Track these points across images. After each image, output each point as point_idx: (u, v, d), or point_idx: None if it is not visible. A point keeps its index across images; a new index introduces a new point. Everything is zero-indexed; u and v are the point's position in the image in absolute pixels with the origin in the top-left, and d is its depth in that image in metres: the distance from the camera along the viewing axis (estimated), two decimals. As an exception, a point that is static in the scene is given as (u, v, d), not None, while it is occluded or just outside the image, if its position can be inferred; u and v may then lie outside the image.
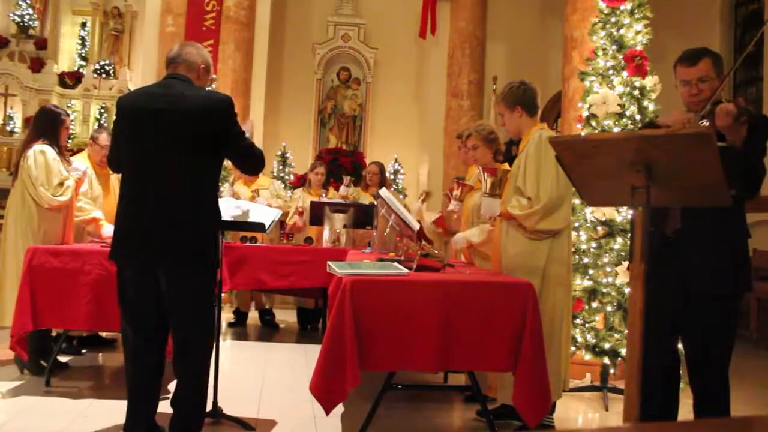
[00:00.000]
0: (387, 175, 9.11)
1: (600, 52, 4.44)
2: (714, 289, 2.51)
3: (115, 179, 4.81)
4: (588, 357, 4.18)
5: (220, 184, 6.43)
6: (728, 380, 2.56)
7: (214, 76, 7.29)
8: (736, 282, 2.56)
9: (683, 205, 2.49)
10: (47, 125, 4.26)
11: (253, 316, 6.30)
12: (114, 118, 2.94)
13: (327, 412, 2.72)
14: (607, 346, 4.10)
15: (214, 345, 3.33)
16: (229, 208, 3.40)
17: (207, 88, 2.95)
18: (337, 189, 6.71)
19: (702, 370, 2.57)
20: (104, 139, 4.63)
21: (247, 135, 2.88)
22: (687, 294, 2.55)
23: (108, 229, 4.42)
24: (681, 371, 2.74)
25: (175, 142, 2.64)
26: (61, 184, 4.16)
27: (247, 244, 5.35)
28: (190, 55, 2.84)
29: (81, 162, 4.51)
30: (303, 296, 6.14)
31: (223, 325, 5.91)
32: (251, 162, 2.91)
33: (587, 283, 4.21)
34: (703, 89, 2.58)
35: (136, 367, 2.78)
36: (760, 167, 2.45)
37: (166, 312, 2.72)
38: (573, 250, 4.10)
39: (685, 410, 2.77)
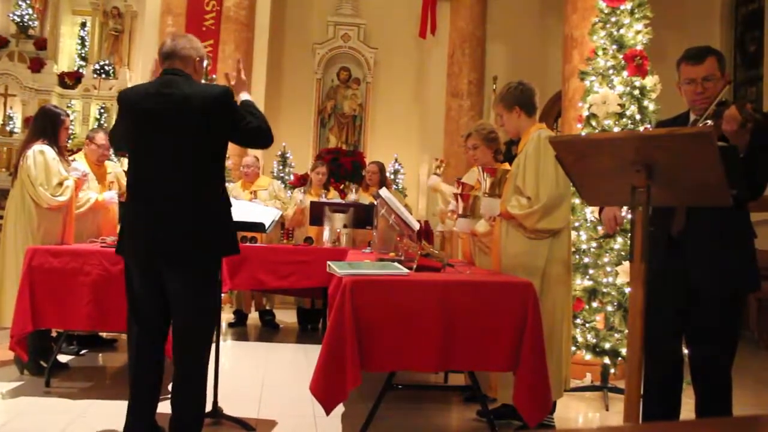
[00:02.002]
0: (387, 175, 9.12)
1: (600, 52, 4.44)
2: (719, 289, 2.50)
3: (112, 177, 4.81)
4: (588, 357, 4.18)
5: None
6: (731, 381, 2.56)
7: (214, 76, 7.29)
8: (741, 282, 2.55)
9: (686, 205, 2.48)
10: (47, 125, 4.26)
11: (253, 316, 6.29)
12: (116, 112, 2.94)
13: (327, 412, 2.72)
14: (607, 345, 4.09)
15: (215, 345, 3.34)
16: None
17: (210, 82, 2.94)
18: (337, 189, 6.70)
19: (705, 370, 2.56)
20: (101, 138, 4.63)
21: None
22: (691, 294, 2.54)
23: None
24: (683, 371, 2.73)
25: (178, 139, 2.65)
26: (60, 184, 4.16)
27: (247, 244, 5.35)
28: (185, 50, 2.82)
29: (79, 162, 4.50)
30: (300, 296, 6.13)
31: (224, 325, 5.90)
32: (260, 141, 2.85)
33: (587, 282, 4.21)
34: (708, 88, 2.57)
35: (139, 364, 2.79)
36: (761, 171, 2.44)
37: (170, 308, 2.73)
38: (573, 249, 4.09)
39: (686, 409, 2.76)
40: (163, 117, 2.66)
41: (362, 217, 5.49)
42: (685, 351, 2.70)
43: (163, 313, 2.75)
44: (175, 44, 2.83)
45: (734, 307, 2.55)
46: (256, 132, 2.78)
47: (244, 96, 2.93)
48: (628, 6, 4.39)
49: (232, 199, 3.62)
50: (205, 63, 2.96)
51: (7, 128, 9.54)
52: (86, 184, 4.49)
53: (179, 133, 2.65)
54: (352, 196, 6.09)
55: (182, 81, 2.74)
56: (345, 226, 5.55)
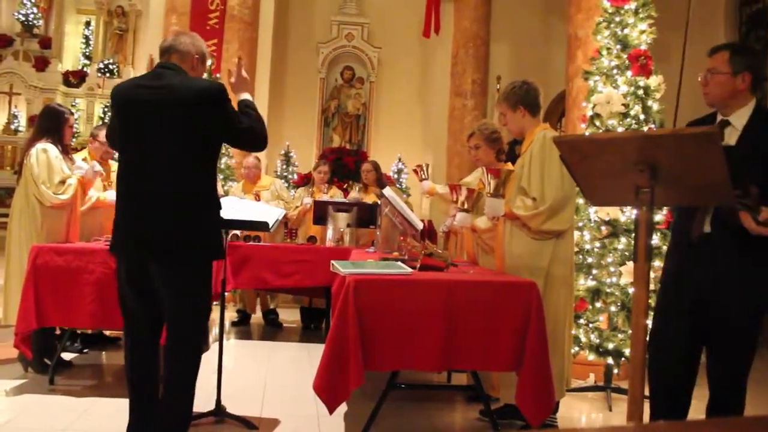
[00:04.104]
0: (390, 174, 9.12)
1: (604, 52, 4.43)
2: (738, 304, 2.47)
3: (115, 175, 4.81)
4: (592, 357, 4.18)
5: (224, 183, 6.46)
6: (745, 389, 2.55)
7: (218, 75, 7.30)
8: (763, 300, 2.51)
9: (720, 209, 2.44)
10: (51, 124, 4.27)
11: (256, 315, 6.30)
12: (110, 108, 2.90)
13: (330, 411, 2.72)
14: (610, 346, 4.09)
15: (218, 344, 3.34)
16: (236, 208, 3.40)
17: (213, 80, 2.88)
18: (340, 187, 6.70)
19: (720, 379, 2.56)
20: (104, 135, 4.63)
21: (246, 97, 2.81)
22: (707, 302, 2.52)
23: (111, 193, 4.49)
24: (696, 372, 2.71)
25: (166, 134, 2.59)
26: (62, 182, 4.17)
27: (251, 243, 5.35)
28: (184, 45, 2.77)
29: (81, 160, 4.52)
30: (302, 295, 6.13)
31: (227, 324, 5.91)
32: (252, 142, 2.81)
33: (591, 283, 4.20)
34: (710, 81, 2.55)
35: (134, 363, 2.77)
36: None
37: (161, 307, 2.68)
38: (577, 250, 4.09)
39: (696, 410, 2.75)
40: (148, 108, 2.60)
41: (365, 216, 5.49)
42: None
43: (155, 311, 2.69)
44: (174, 39, 2.79)
45: (753, 323, 2.51)
46: (247, 133, 2.71)
47: (243, 95, 2.85)
48: (633, 6, 4.39)
49: (235, 198, 3.60)
50: (209, 62, 2.91)
51: (12, 127, 9.58)
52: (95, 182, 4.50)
53: (165, 125, 2.58)
54: (354, 194, 6.08)
55: (172, 74, 2.68)
56: (348, 226, 5.55)
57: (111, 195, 4.62)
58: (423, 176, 4.53)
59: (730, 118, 2.56)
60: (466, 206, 3.57)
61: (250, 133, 2.74)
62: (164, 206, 2.60)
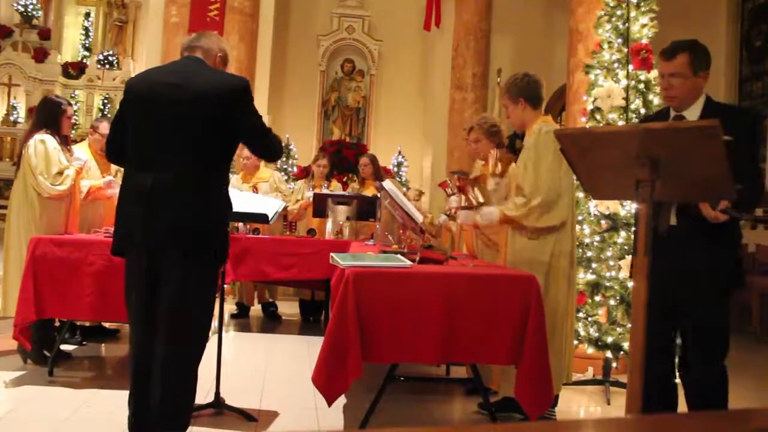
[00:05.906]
0: (390, 167, 9.12)
1: (605, 45, 4.42)
2: (709, 285, 2.52)
3: (115, 168, 4.78)
4: (590, 351, 4.18)
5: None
6: (726, 375, 2.57)
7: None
8: (727, 281, 2.57)
9: (684, 202, 2.48)
10: (49, 115, 4.26)
11: (255, 307, 6.30)
12: (119, 104, 2.81)
13: (329, 404, 2.72)
14: (609, 339, 4.10)
15: (217, 336, 3.34)
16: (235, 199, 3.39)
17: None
18: (339, 181, 6.70)
19: (697, 366, 2.58)
20: (104, 127, 4.60)
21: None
22: (680, 291, 2.55)
23: (113, 189, 4.44)
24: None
25: (184, 122, 2.53)
26: (60, 173, 4.15)
27: (250, 235, 5.35)
28: (208, 42, 2.78)
29: (81, 151, 4.50)
30: (301, 287, 6.13)
31: (226, 316, 5.91)
32: (267, 146, 2.78)
33: (590, 276, 4.20)
34: (674, 85, 2.56)
35: (138, 357, 2.75)
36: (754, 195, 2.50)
37: (164, 304, 2.64)
38: (576, 243, 4.09)
39: (682, 406, 2.76)
40: (171, 93, 2.55)
41: (365, 209, 5.49)
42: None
43: (162, 305, 2.60)
44: (200, 35, 2.80)
45: (723, 303, 2.57)
46: (263, 134, 2.68)
47: None
48: (634, -1, 4.37)
49: (234, 190, 3.58)
50: (227, 65, 2.89)
51: (11, 118, 9.56)
52: (85, 173, 4.47)
53: (187, 113, 2.53)
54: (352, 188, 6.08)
55: (196, 66, 2.66)
56: (348, 218, 5.55)
57: (111, 191, 4.59)
58: (449, 192, 4.54)
59: (684, 113, 2.60)
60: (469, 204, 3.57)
61: (265, 135, 2.71)
62: (180, 201, 2.53)
